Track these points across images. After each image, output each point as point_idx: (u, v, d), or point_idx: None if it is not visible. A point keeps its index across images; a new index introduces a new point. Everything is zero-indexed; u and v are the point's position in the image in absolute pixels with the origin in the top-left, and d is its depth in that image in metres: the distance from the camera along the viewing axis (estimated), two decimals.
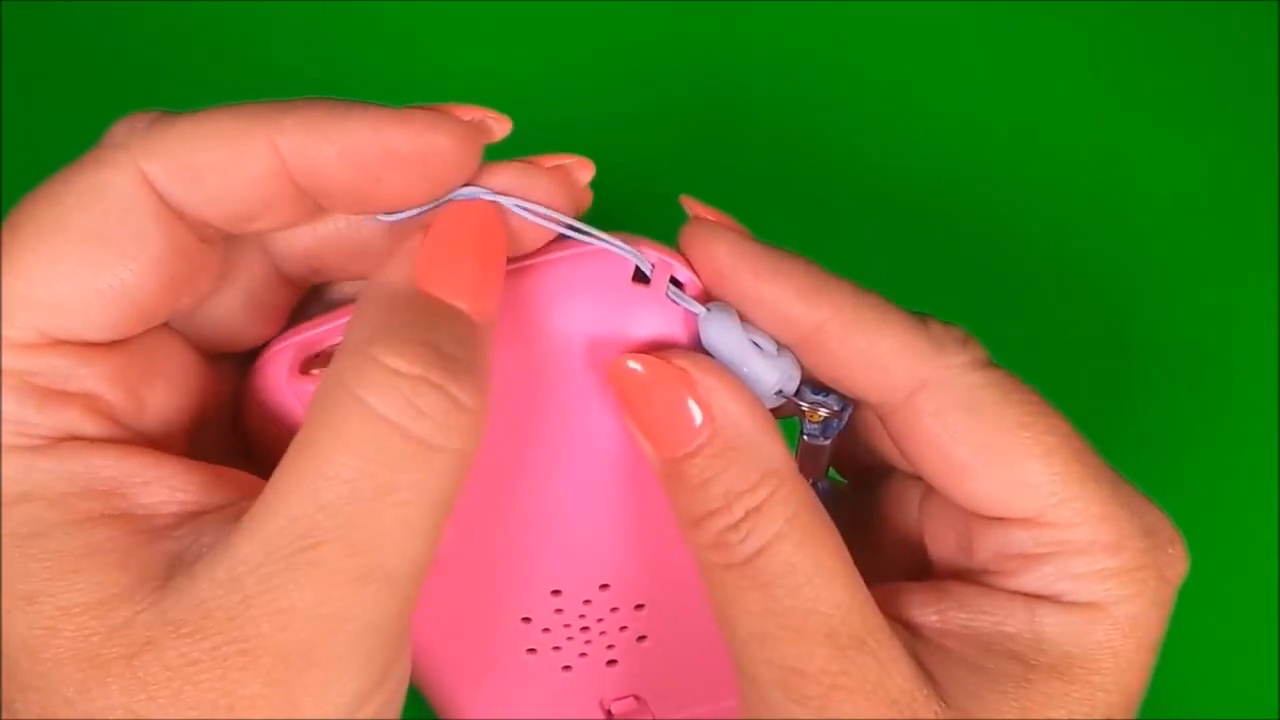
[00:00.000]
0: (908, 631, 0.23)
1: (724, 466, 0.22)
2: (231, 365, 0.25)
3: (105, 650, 0.18)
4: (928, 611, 0.24)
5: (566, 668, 0.28)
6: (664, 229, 0.24)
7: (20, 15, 0.40)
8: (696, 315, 0.22)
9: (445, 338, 0.19)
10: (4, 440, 0.19)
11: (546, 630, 0.27)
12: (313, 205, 0.22)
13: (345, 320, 0.22)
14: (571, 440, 0.23)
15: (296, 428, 0.22)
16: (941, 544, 0.25)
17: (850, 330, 0.22)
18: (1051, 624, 0.23)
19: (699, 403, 0.22)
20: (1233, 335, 0.40)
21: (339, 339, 0.22)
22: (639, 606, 0.27)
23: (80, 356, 0.20)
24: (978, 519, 0.24)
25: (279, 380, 0.23)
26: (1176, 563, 0.23)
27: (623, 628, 0.27)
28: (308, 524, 0.19)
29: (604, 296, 0.22)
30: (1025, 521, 0.23)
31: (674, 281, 0.23)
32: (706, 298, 0.23)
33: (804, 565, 0.22)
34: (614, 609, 0.27)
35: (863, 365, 0.23)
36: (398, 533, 0.19)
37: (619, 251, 0.22)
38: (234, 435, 0.25)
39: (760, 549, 0.22)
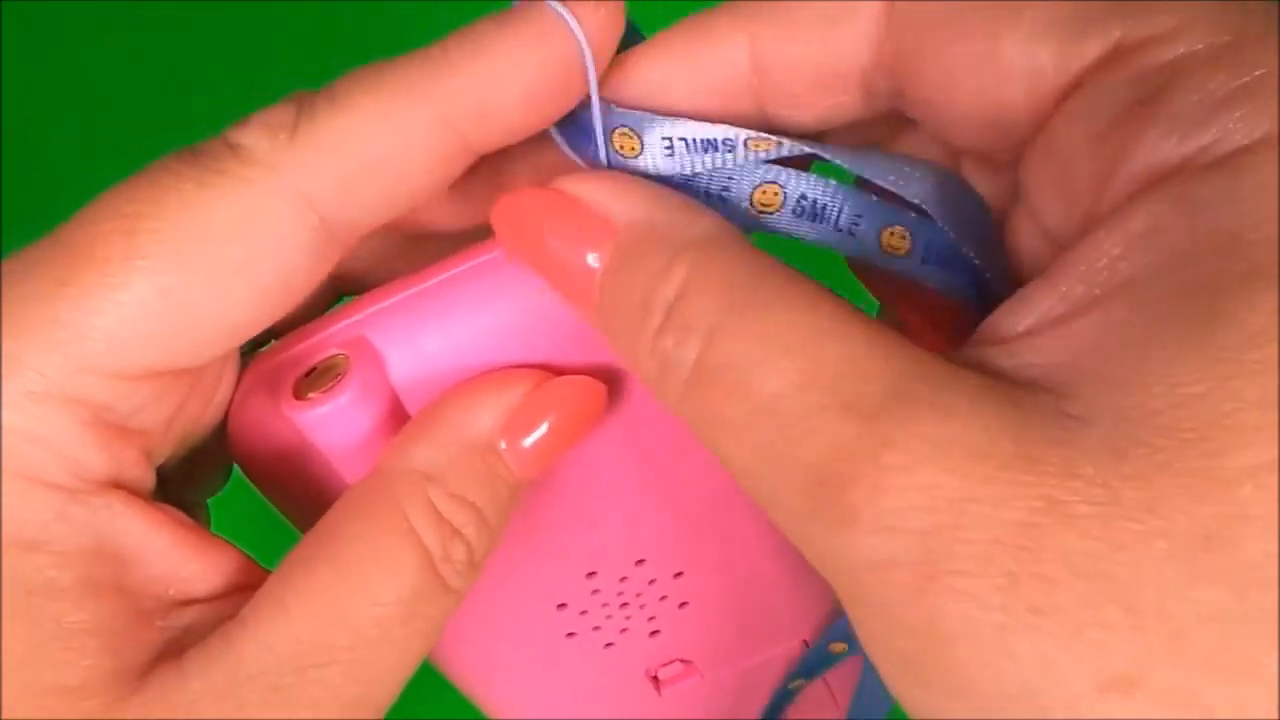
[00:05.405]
0: (1012, 343, 0.16)
1: (635, 265, 0.17)
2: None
3: None
4: (1043, 296, 0.15)
5: (609, 645, 0.27)
6: None
7: (20, 15, 0.39)
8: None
9: (490, 503, 0.20)
10: (52, 478, 0.17)
11: (584, 613, 0.26)
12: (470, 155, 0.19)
13: (332, 332, 0.20)
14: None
15: (296, 455, 0.21)
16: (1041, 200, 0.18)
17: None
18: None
19: (595, 218, 0.18)
20: None
21: (330, 352, 0.20)
22: (678, 575, 0.26)
23: (163, 386, 0.18)
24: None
25: (272, 404, 0.20)
26: None
27: (663, 597, 0.26)
28: (327, 641, 0.18)
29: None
30: (1109, 58, 0.16)
31: None
32: None
33: (774, 341, 0.15)
34: (652, 581, 0.26)
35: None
36: (399, 662, 0.19)
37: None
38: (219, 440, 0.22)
39: (706, 345, 0.16)
